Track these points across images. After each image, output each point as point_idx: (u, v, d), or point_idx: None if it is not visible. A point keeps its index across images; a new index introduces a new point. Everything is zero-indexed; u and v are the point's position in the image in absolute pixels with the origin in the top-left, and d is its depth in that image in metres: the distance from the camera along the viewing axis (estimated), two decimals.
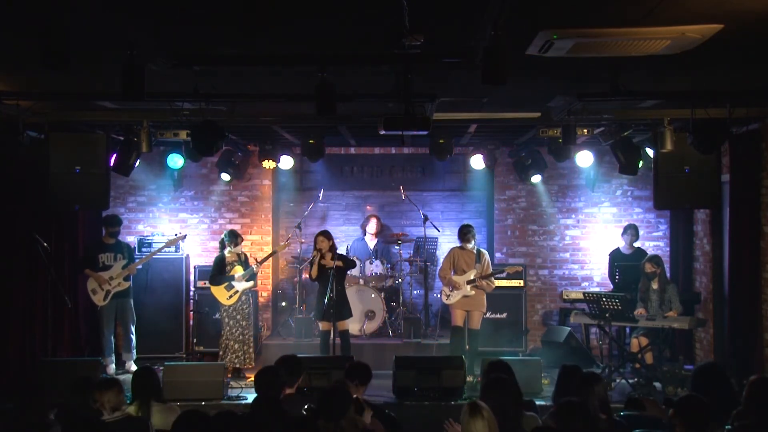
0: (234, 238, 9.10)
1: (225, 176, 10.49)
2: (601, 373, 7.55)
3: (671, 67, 5.95)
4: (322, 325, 8.84)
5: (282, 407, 4.62)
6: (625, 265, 9.71)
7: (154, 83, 5.47)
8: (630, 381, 8.52)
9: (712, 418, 4.35)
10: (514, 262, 10.52)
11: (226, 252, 9.08)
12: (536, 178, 10.39)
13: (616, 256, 10.01)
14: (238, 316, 8.98)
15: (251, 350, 9.06)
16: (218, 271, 9.01)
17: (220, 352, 8.94)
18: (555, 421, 4.47)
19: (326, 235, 8.84)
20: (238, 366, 8.91)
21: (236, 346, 8.93)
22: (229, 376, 8.50)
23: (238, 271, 8.98)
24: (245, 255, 9.31)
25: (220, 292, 8.99)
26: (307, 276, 9.15)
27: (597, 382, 5.05)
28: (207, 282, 9.25)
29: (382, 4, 4.41)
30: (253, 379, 5.83)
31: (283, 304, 10.89)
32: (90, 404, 5.05)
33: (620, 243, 10.14)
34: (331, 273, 8.54)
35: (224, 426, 4.11)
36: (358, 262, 9.99)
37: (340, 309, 8.67)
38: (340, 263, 8.69)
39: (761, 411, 4.51)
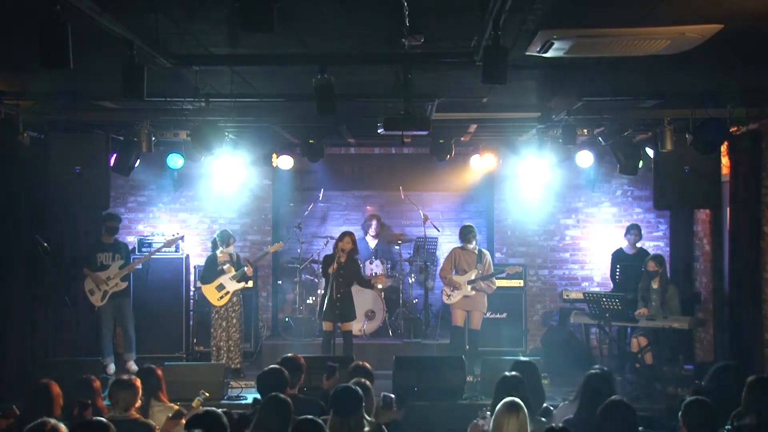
0: (226, 238, 9.13)
1: (223, 175, 10.50)
2: None
3: (671, 67, 5.95)
4: (324, 325, 8.84)
5: (290, 408, 4.64)
6: (627, 265, 9.70)
7: (154, 83, 5.47)
8: (630, 381, 8.53)
9: (719, 421, 4.35)
10: (514, 262, 10.52)
11: (217, 252, 9.09)
12: (532, 174, 10.34)
13: (619, 256, 10.00)
14: (231, 318, 8.98)
15: (240, 351, 9.09)
16: (210, 271, 9.01)
17: (213, 353, 8.94)
18: (597, 418, 4.42)
19: (353, 237, 8.77)
20: (230, 367, 8.90)
21: (228, 347, 8.92)
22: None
23: (231, 271, 8.98)
24: (237, 255, 9.32)
25: (210, 293, 8.99)
26: (322, 274, 9.19)
27: (605, 382, 5.06)
28: (199, 282, 9.26)
29: (382, 4, 4.41)
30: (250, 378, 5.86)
31: (301, 307, 10.86)
32: (93, 403, 5.06)
33: (621, 243, 10.14)
34: (332, 275, 8.54)
35: (236, 426, 4.13)
36: (358, 262, 9.99)
37: (345, 310, 8.67)
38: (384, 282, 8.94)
39: (761, 411, 4.51)
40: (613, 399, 4.47)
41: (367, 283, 9.30)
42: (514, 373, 5.24)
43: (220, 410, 4.38)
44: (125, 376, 5.29)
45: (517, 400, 4.44)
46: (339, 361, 7.84)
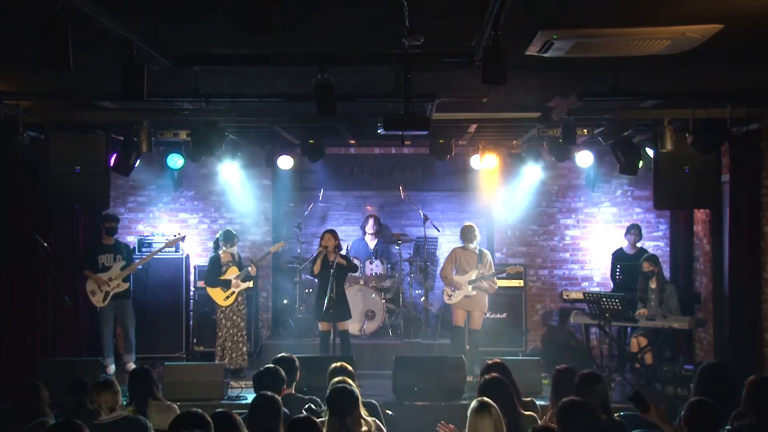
0: (230, 238, 9.14)
1: (223, 175, 10.49)
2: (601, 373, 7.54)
3: (671, 67, 5.95)
4: (321, 326, 8.84)
5: (281, 407, 4.63)
6: (627, 265, 9.70)
7: (154, 83, 5.47)
8: (630, 381, 8.53)
9: (719, 422, 4.35)
10: (514, 262, 10.51)
11: (220, 252, 9.10)
12: (532, 174, 10.34)
13: (619, 256, 10.00)
14: (236, 317, 9.01)
15: (245, 350, 9.08)
16: (214, 272, 9.03)
17: (218, 353, 8.95)
18: (556, 420, 4.46)
19: (334, 234, 8.85)
20: (236, 367, 8.92)
21: (233, 346, 8.95)
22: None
23: (234, 271, 9.00)
24: (239, 255, 9.33)
25: (216, 294, 9.01)
26: (309, 274, 9.22)
27: (598, 382, 5.05)
28: (204, 283, 9.28)
29: (382, 4, 4.41)
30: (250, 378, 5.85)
31: (285, 301, 10.86)
32: (86, 405, 5.06)
33: (622, 243, 10.14)
34: (331, 273, 8.54)
35: (222, 426, 4.11)
36: (358, 262, 10.00)
37: (339, 310, 8.67)
38: (343, 261, 8.71)
39: (761, 411, 4.51)
40: (567, 399, 4.47)
41: (354, 265, 9.24)
42: (493, 374, 5.24)
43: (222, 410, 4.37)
44: (101, 379, 5.29)
45: (487, 399, 4.44)
46: (337, 360, 7.86)
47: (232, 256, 9.16)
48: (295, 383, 5.86)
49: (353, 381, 5.36)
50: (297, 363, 5.93)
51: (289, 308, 10.78)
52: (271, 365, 5.63)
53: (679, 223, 10.44)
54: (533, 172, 10.24)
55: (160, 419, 5.24)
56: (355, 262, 9.64)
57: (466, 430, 4.44)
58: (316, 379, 7.32)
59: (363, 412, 4.78)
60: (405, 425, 6.81)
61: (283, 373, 5.47)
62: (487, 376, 5.22)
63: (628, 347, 8.95)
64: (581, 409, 4.35)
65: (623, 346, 9.09)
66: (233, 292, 8.99)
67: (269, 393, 4.67)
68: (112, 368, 9.15)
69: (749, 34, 5.04)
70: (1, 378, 8.11)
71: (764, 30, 4.95)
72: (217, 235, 9.33)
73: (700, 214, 9.88)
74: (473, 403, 4.43)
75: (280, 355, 6.04)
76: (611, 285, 10.15)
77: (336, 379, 5.18)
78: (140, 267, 9.71)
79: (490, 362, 5.90)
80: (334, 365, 5.86)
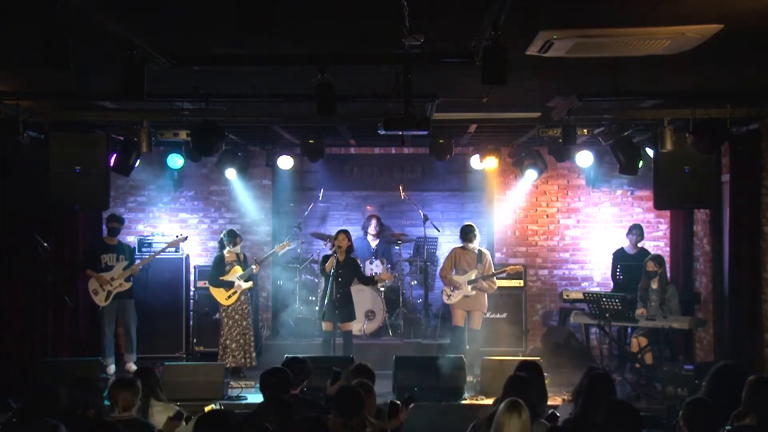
0: (233, 237, 9.13)
1: (230, 174, 10.47)
2: None
3: (671, 67, 5.95)
4: (324, 326, 8.84)
5: (290, 407, 4.64)
6: (628, 265, 9.70)
7: (154, 83, 5.47)
8: (630, 381, 8.53)
9: (720, 420, 4.34)
10: (514, 262, 10.51)
11: (225, 252, 9.10)
12: (532, 175, 10.34)
13: (620, 256, 10.01)
14: (237, 316, 9.00)
15: (252, 350, 9.07)
16: (217, 271, 9.03)
17: (220, 353, 8.95)
18: (604, 421, 4.38)
19: (347, 234, 8.86)
20: (237, 366, 8.92)
21: (234, 345, 8.94)
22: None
23: (238, 271, 9.00)
24: (244, 255, 9.34)
25: (218, 293, 9.01)
26: (320, 273, 9.25)
27: (605, 382, 5.05)
28: (207, 282, 9.28)
29: (382, 4, 4.41)
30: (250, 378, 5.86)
31: (309, 297, 10.75)
32: (95, 402, 5.06)
33: (623, 243, 10.15)
34: (332, 274, 8.54)
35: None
36: (359, 262, 9.99)
37: (345, 310, 8.67)
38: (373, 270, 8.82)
39: (761, 411, 4.50)
40: (617, 400, 4.44)
41: (369, 279, 9.29)
42: (523, 373, 5.22)
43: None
44: (127, 376, 5.27)
45: (519, 400, 4.43)
46: (339, 361, 7.87)
47: (237, 255, 9.16)
48: (301, 386, 5.86)
49: (372, 382, 5.39)
50: (310, 366, 5.94)
51: (289, 308, 10.77)
52: (279, 366, 5.63)
53: (679, 223, 10.44)
54: (533, 172, 10.24)
55: (161, 420, 5.25)
56: (371, 278, 9.59)
57: (493, 427, 4.42)
58: (315, 379, 7.32)
59: (369, 414, 4.80)
60: (405, 425, 6.80)
61: (290, 374, 5.47)
62: (518, 374, 5.20)
63: (628, 347, 8.95)
64: (630, 411, 4.32)
65: (623, 346, 9.09)
66: (235, 291, 9.00)
67: (283, 396, 4.68)
68: (112, 368, 9.15)
69: (749, 34, 5.04)
70: (1, 378, 8.10)
71: (764, 30, 4.95)
72: (221, 235, 9.33)
73: (700, 214, 9.88)
74: (503, 402, 4.43)
75: (292, 356, 6.05)
76: (611, 285, 10.15)
77: (355, 381, 5.21)
78: (141, 267, 9.71)
79: (525, 360, 5.89)
80: (356, 363, 5.92)
